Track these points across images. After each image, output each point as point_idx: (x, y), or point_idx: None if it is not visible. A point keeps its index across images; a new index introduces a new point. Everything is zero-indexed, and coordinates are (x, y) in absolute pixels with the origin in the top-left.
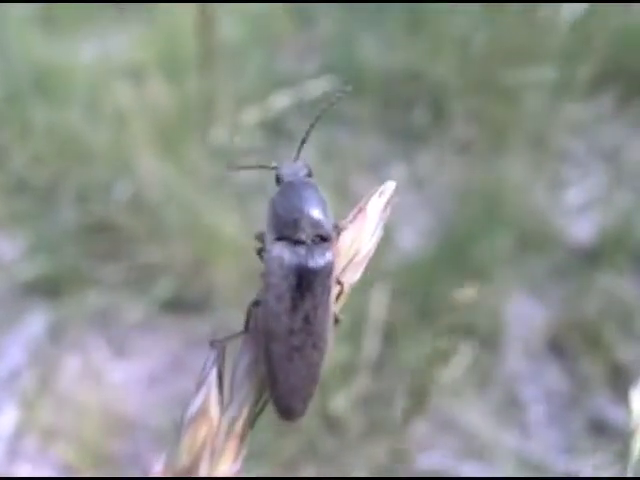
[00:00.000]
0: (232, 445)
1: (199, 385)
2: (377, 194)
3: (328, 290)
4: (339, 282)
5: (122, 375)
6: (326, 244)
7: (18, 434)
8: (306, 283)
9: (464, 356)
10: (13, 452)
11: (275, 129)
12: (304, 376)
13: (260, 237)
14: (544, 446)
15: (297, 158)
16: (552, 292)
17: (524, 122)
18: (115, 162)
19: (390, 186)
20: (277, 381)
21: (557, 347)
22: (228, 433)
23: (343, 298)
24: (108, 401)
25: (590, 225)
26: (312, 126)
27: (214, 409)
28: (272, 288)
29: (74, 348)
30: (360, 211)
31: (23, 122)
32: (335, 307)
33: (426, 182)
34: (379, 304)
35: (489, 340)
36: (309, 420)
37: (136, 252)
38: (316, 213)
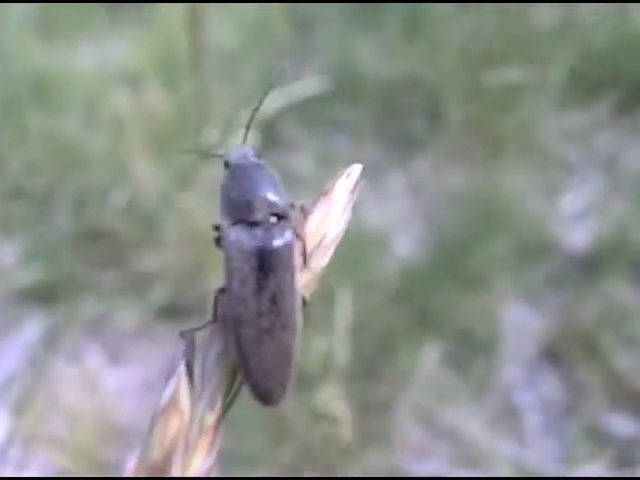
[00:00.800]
0: (205, 437)
1: (168, 376)
2: (344, 176)
3: (292, 269)
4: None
5: (117, 382)
6: (284, 222)
7: (11, 440)
8: (268, 263)
9: (459, 363)
10: (6, 459)
11: (268, 131)
12: (277, 358)
13: (217, 227)
14: (540, 454)
15: (244, 143)
16: (549, 300)
17: (521, 129)
18: (112, 169)
19: (357, 168)
20: (250, 367)
21: (554, 355)
22: (200, 424)
23: (312, 283)
24: (103, 408)
25: (587, 233)
26: (256, 110)
27: (185, 400)
28: (235, 273)
29: (69, 355)
30: (326, 193)
31: (20, 128)
32: (303, 290)
33: (423, 189)
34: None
35: (485, 348)
36: (305, 427)
37: (132, 259)
38: (269, 193)
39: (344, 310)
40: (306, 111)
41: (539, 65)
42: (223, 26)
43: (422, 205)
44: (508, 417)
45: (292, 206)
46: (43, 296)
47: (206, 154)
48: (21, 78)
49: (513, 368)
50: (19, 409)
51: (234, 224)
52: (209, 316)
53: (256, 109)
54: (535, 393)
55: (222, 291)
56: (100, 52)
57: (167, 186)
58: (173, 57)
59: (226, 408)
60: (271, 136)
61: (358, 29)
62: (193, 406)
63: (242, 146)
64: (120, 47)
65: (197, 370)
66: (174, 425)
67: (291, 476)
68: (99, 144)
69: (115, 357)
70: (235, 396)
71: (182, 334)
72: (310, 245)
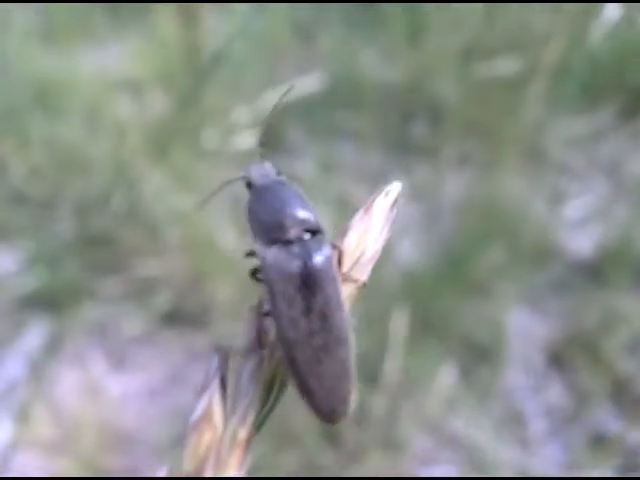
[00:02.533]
0: (236, 452)
1: (202, 391)
2: (383, 194)
3: (336, 281)
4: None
5: (120, 388)
6: (319, 236)
7: (15, 447)
8: (312, 280)
9: (464, 369)
10: (9, 465)
11: (269, 131)
12: (338, 375)
13: (251, 253)
14: (545, 460)
15: (262, 161)
16: (553, 306)
17: (524, 135)
18: (114, 174)
19: (396, 186)
20: (311, 388)
21: (558, 361)
22: (232, 440)
23: (351, 299)
24: (106, 414)
25: (591, 239)
26: (265, 122)
27: (218, 415)
28: (279, 295)
29: (72, 361)
30: (366, 211)
31: (22, 134)
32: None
33: (426, 195)
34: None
35: (489, 354)
36: (309, 435)
37: (134, 265)
38: (299, 209)
39: None
40: (309, 116)
41: (542, 71)
42: (224, 31)
43: (425, 211)
44: (513, 423)
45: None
46: (46, 302)
47: (227, 183)
48: (23, 85)
49: (517, 374)
50: (22, 415)
51: (269, 245)
52: (246, 337)
53: (265, 122)
54: (539, 399)
55: (266, 314)
56: (101, 58)
57: (169, 192)
58: (174, 63)
59: (259, 424)
60: (274, 141)
61: (360, 34)
62: (226, 421)
63: (262, 165)
64: (121, 52)
65: (230, 385)
66: (206, 439)
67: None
68: (101, 150)
69: (118, 363)
70: (269, 412)
71: (217, 349)
72: (349, 262)
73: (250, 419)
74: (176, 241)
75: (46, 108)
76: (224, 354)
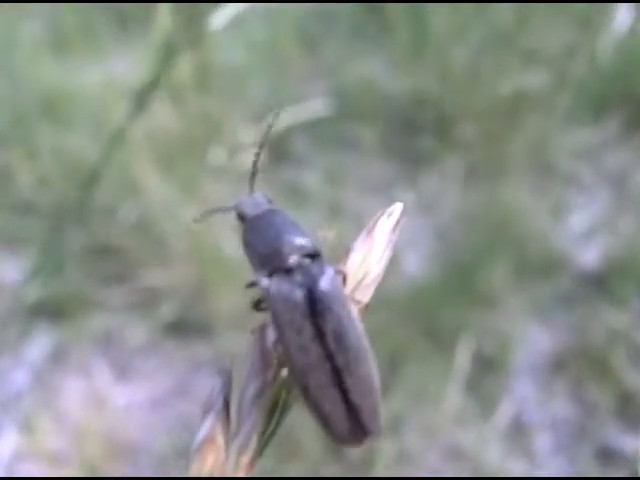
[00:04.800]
0: (240, 474)
1: (205, 413)
2: (385, 215)
3: (344, 301)
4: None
5: (124, 398)
6: (319, 260)
7: (19, 457)
8: (321, 305)
9: (469, 380)
10: (14, 474)
11: (276, 149)
12: (363, 393)
13: (252, 284)
14: (551, 473)
15: (252, 191)
16: (559, 317)
17: (530, 146)
18: (120, 185)
19: (398, 207)
20: (325, 412)
21: (564, 374)
22: (236, 462)
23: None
24: (110, 424)
25: (597, 250)
26: (259, 154)
27: (221, 438)
28: (287, 324)
29: (77, 371)
30: (368, 233)
31: (30, 144)
32: None
33: (432, 206)
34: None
35: (495, 366)
36: (312, 445)
37: (140, 275)
38: (294, 236)
39: None
40: (315, 128)
41: (548, 81)
42: (231, 44)
43: (431, 222)
44: (519, 435)
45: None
46: (51, 312)
47: (216, 211)
48: (31, 94)
49: (524, 386)
50: (26, 425)
51: (270, 276)
52: (250, 359)
53: (259, 153)
54: (545, 411)
55: (276, 342)
56: (108, 67)
57: (175, 203)
58: (181, 74)
59: (263, 447)
60: (280, 153)
61: (366, 45)
62: (229, 443)
63: (252, 195)
64: (127, 61)
65: (234, 407)
66: (210, 461)
67: None
68: (107, 160)
69: (122, 373)
70: (272, 435)
71: (220, 371)
72: (351, 283)
73: (253, 442)
74: (181, 252)
75: (54, 118)
76: (227, 376)
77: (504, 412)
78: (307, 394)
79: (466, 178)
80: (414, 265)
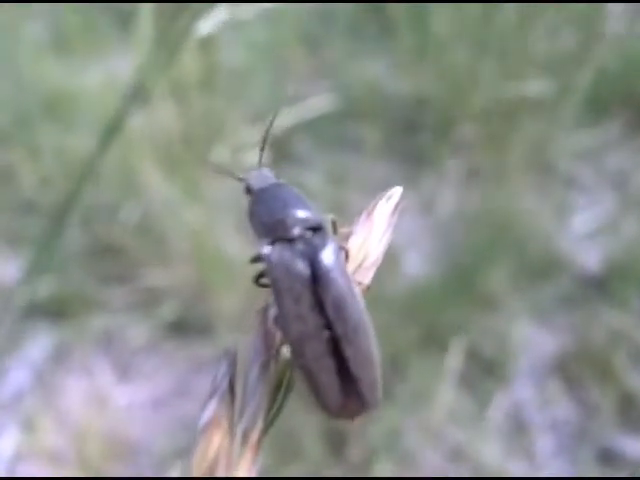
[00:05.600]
0: (246, 454)
1: (211, 394)
2: (384, 198)
3: (345, 272)
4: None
5: (126, 398)
6: (322, 232)
7: (20, 457)
8: (321, 274)
9: (470, 382)
10: (14, 474)
11: (279, 149)
12: (362, 364)
13: (256, 259)
14: (552, 475)
15: (260, 165)
16: (560, 319)
17: (532, 148)
18: (122, 185)
19: (397, 191)
20: (323, 385)
21: (565, 375)
22: (242, 443)
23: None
24: (111, 424)
25: (598, 252)
26: (266, 137)
27: (227, 418)
28: (286, 293)
29: (78, 370)
30: (368, 215)
31: (32, 144)
32: None
33: (433, 207)
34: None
35: (496, 367)
36: (313, 445)
37: (141, 275)
38: (299, 209)
39: None
40: (317, 128)
41: (551, 84)
42: (232, 44)
43: (432, 223)
44: (519, 437)
45: (334, 225)
46: (52, 312)
47: (225, 172)
48: (33, 94)
49: (524, 388)
50: (28, 424)
51: (272, 243)
52: (253, 339)
53: (266, 137)
54: (546, 413)
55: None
56: (111, 68)
57: (177, 202)
58: (184, 74)
59: (267, 426)
60: (282, 153)
61: (368, 46)
62: (235, 424)
63: (260, 169)
64: (129, 61)
65: (239, 388)
66: (216, 443)
67: None
68: (110, 160)
69: (124, 373)
70: (278, 414)
71: (225, 352)
72: (352, 266)
73: (259, 420)
74: (182, 252)
75: (55, 118)
76: (232, 357)
77: (505, 413)
78: (303, 364)
79: (467, 179)
80: (415, 266)
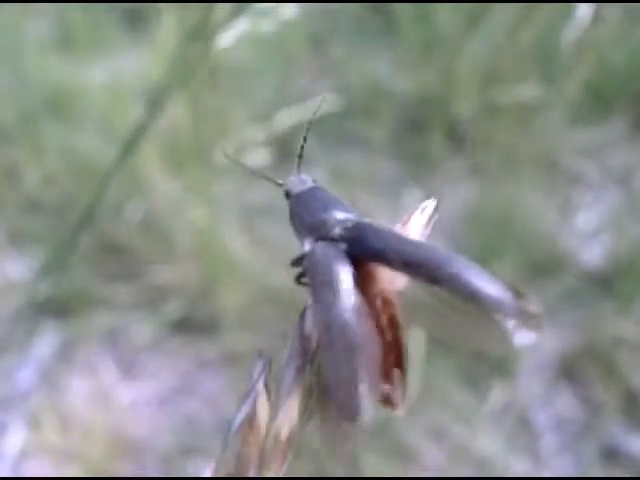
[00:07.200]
0: (280, 455)
1: (247, 394)
2: (419, 211)
3: None
4: None
5: (131, 396)
6: None
7: (25, 455)
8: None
9: (474, 380)
10: (20, 473)
11: (283, 147)
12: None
13: (297, 260)
14: (556, 473)
15: (299, 171)
16: (564, 317)
17: (536, 145)
18: (127, 183)
19: (431, 203)
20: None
21: (570, 373)
22: (276, 443)
23: None
24: (116, 422)
25: (602, 249)
26: (305, 139)
27: (262, 418)
28: (326, 286)
29: (83, 368)
30: (402, 226)
31: (36, 142)
32: None
33: (437, 205)
34: None
35: (500, 365)
36: (318, 443)
37: (146, 272)
38: (339, 208)
39: None
40: (321, 126)
41: (555, 81)
42: (239, 46)
43: (437, 221)
44: (523, 435)
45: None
46: (57, 310)
47: (263, 176)
48: (38, 93)
49: (528, 386)
50: (33, 423)
51: (316, 242)
52: (290, 342)
53: (305, 138)
54: (551, 411)
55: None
56: (116, 67)
57: (182, 200)
58: (188, 72)
59: (302, 426)
60: (286, 151)
61: (372, 45)
62: (269, 424)
63: (299, 175)
64: (135, 59)
65: (273, 388)
66: (250, 442)
67: None
68: (115, 158)
69: (129, 371)
70: (310, 417)
71: (260, 354)
72: None
73: (293, 423)
74: (188, 250)
75: (61, 116)
76: (267, 359)
77: (509, 411)
78: (329, 355)
79: (472, 177)
80: None
